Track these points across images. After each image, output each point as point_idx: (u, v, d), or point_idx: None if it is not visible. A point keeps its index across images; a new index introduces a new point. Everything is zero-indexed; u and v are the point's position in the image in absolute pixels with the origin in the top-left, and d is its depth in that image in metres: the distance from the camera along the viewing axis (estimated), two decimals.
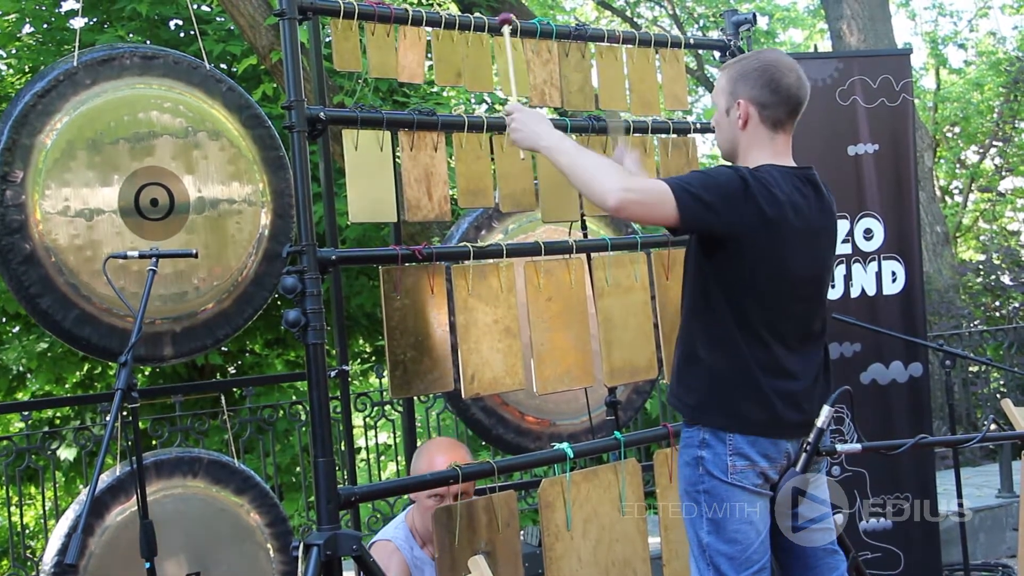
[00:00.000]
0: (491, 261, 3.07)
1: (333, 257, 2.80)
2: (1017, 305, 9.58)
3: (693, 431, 2.59)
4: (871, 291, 4.68)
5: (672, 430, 3.34)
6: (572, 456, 3.08)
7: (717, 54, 3.85)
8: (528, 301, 3.12)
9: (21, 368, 8.46)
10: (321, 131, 2.86)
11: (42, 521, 5.69)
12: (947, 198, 16.98)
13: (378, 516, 5.62)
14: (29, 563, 5.63)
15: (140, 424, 2.94)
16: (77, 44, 3.25)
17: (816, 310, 2.66)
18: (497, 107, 8.36)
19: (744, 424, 2.52)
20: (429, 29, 3.06)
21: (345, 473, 3.90)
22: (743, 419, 2.52)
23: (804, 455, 2.36)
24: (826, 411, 2.29)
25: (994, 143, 15.37)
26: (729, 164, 2.67)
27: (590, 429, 3.88)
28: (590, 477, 3.14)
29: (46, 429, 7.44)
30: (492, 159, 3.14)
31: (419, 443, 4.11)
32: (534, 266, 3.14)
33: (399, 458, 7.36)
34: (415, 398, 4.39)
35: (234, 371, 9.15)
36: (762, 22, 15.98)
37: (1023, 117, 14.38)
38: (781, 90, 2.61)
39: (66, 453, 7.23)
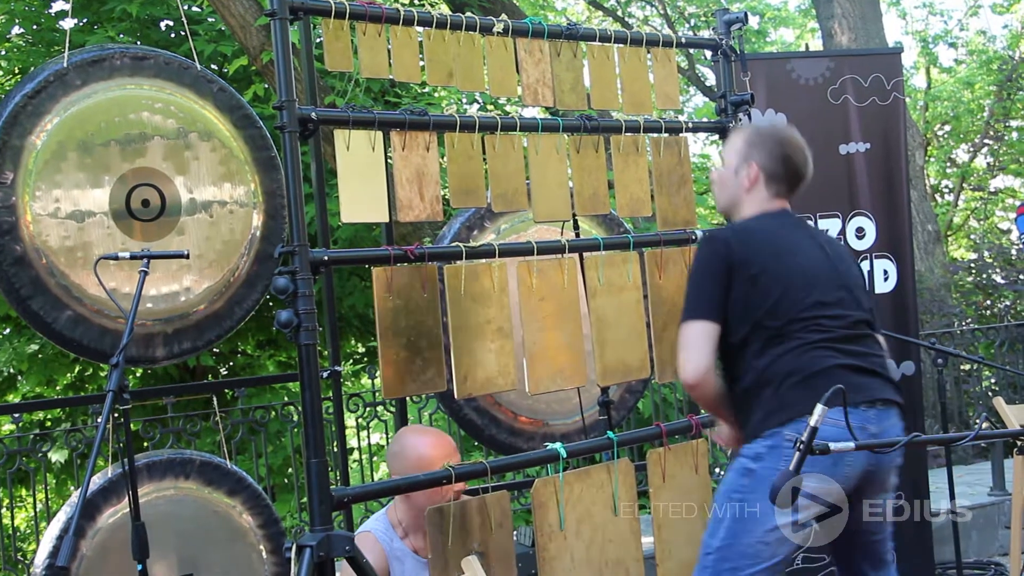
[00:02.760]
0: (483, 261, 3.07)
1: (325, 258, 2.80)
2: (1008, 303, 9.62)
3: None
4: None
5: (665, 429, 3.34)
6: (565, 456, 3.07)
7: (709, 53, 3.85)
8: (521, 301, 3.12)
9: (12, 370, 8.44)
10: (313, 131, 2.85)
11: (33, 523, 5.67)
12: (938, 197, 17.03)
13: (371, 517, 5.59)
14: (20, 566, 5.60)
15: (132, 426, 2.93)
16: (67, 45, 3.23)
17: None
18: (488, 107, 8.35)
19: None
20: (420, 29, 3.05)
21: (338, 474, 3.89)
22: None
23: (797, 453, 2.35)
24: (819, 409, 2.28)
25: (985, 142, 15.43)
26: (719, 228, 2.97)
27: (583, 429, 3.88)
28: (583, 477, 3.14)
29: (37, 431, 7.41)
30: (484, 159, 3.14)
31: None
32: (527, 266, 3.14)
33: None
34: (407, 399, 4.38)
35: (226, 372, 9.13)
36: (753, 21, 16.00)
37: (1014, 116, 14.44)
38: (790, 166, 2.86)
39: (57, 455, 7.21)
